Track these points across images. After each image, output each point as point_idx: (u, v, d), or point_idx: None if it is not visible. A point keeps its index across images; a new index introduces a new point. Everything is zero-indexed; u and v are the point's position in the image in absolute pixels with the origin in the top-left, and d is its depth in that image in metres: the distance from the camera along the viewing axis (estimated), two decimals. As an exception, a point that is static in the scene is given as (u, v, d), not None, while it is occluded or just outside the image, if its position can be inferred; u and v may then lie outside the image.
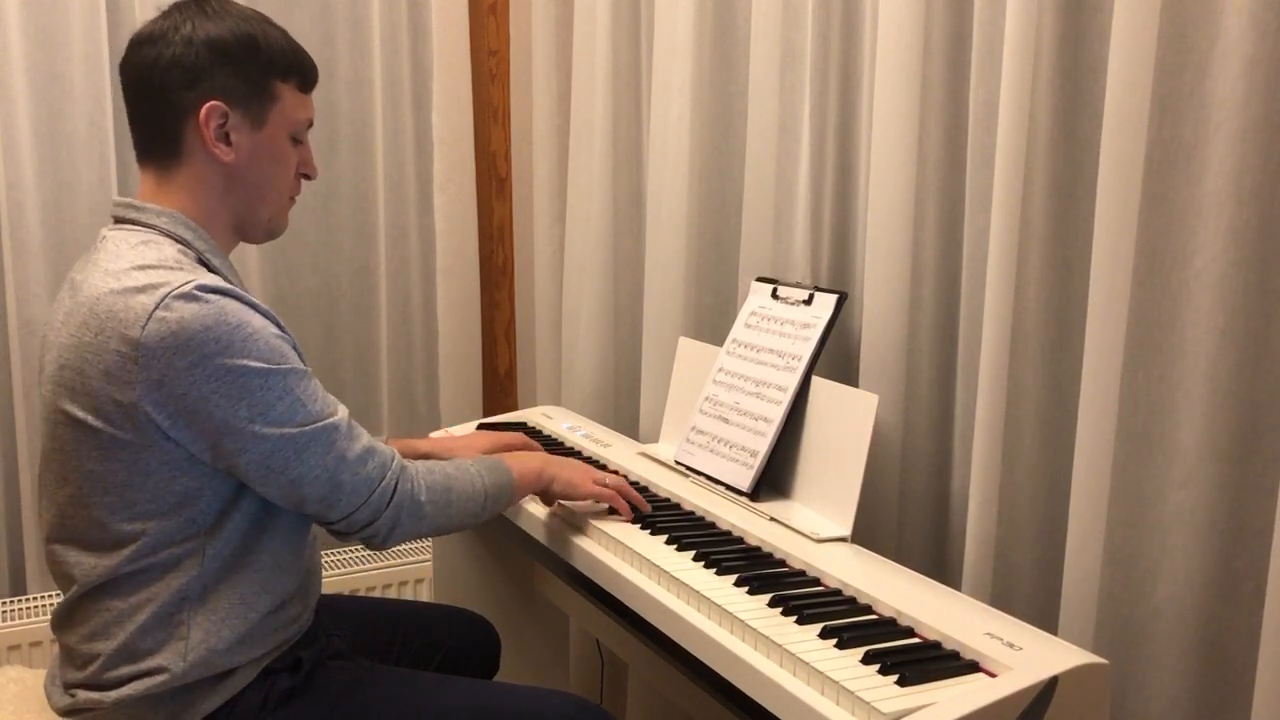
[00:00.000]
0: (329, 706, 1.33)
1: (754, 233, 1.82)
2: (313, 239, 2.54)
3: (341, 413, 1.31)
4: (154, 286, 1.20)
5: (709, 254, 1.97)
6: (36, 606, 2.15)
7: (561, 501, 1.59)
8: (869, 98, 1.61)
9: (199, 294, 1.20)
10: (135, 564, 1.25)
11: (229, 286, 1.23)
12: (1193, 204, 1.19)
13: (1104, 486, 1.26)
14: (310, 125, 1.41)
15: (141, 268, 1.22)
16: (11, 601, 2.17)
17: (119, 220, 1.31)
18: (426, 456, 1.69)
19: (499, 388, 2.76)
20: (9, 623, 2.10)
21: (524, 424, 2.08)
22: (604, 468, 1.78)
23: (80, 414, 1.23)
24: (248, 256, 2.40)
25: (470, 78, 2.61)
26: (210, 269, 1.30)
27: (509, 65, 2.60)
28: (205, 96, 1.29)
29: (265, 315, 1.26)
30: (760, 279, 1.75)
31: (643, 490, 1.66)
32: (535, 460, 1.53)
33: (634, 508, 1.55)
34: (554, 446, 1.90)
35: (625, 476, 1.73)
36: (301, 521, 1.36)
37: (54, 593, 2.20)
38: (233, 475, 1.26)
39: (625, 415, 2.23)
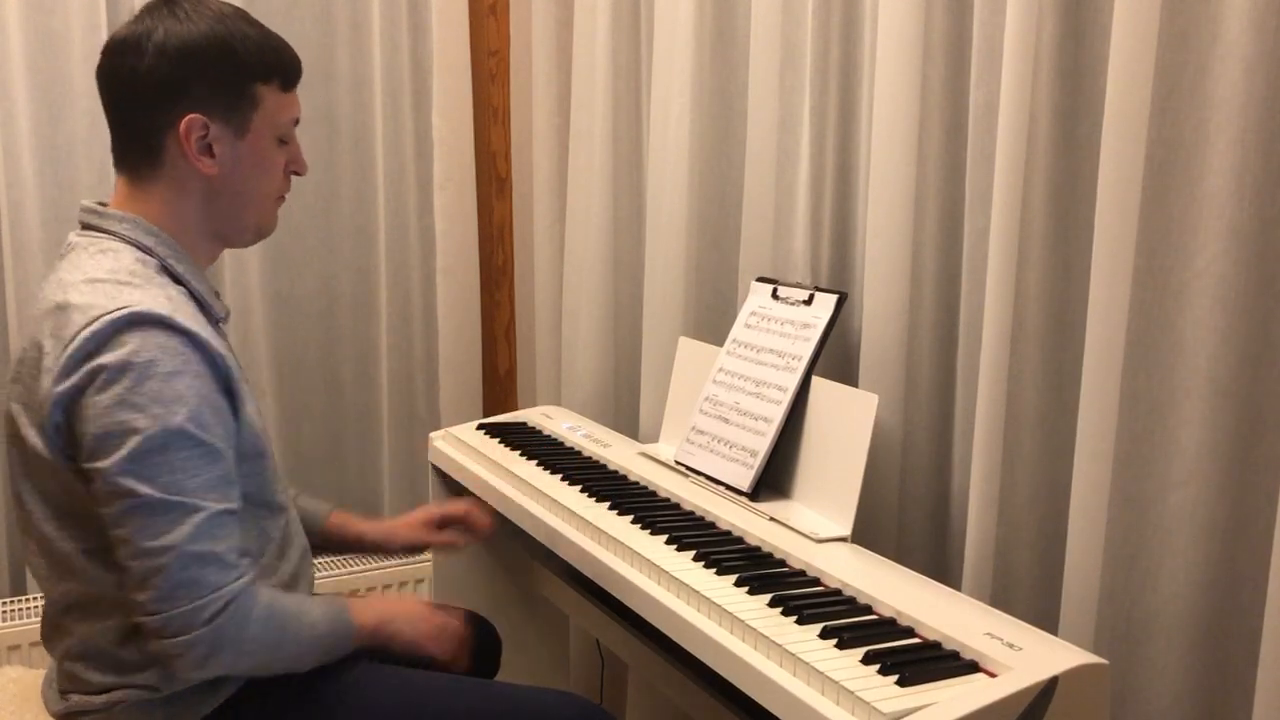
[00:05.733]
0: (328, 706, 1.33)
1: (754, 233, 1.82)
2: (313, 239, 2.53)
3: (213, 506, 1.16)
4: (91, 306, 1.17)
5: (709, 254, 1.97)
6: (36, 607, 2.15)
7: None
8: (869, 98, 1.61)
9: (130, 322, 1.15)
10: (93, 585, 1.22)
11: (166, 317, 1.17)
12: (1193, 204, 1.19)
13: (1104, 486, 1.26)
14: (297, 122, 1.36)
15: (90, 281, 1.19)
16: (11, 601, 2.17)
17: (84, 226, 1.29)
18: (360, 537, 1.60)
19: (499, 388, 2.75)
20: (9, 623, 2.10)
21: (524, 424, 2.07)
22: (604, 468, 1.78)
23: (24, 429, 1.21)
24: (248, 256, 2.39)
25: (470, 78, 2.60)
26: (173, 276, 1.27)
27: (509, 65, 2.60)
28: (184, 110, 1.25)
29: (207, 356, 1.19)
30: (760, 279, 1.75)
31: (643, 489, 1.67)
32: (370, 614, 1.33)
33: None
34: (554, 446, 1.89)
35: (625, 476, 1.73)
36: (269, 535, 1.32)
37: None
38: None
39: (625, 415, 2.23)
